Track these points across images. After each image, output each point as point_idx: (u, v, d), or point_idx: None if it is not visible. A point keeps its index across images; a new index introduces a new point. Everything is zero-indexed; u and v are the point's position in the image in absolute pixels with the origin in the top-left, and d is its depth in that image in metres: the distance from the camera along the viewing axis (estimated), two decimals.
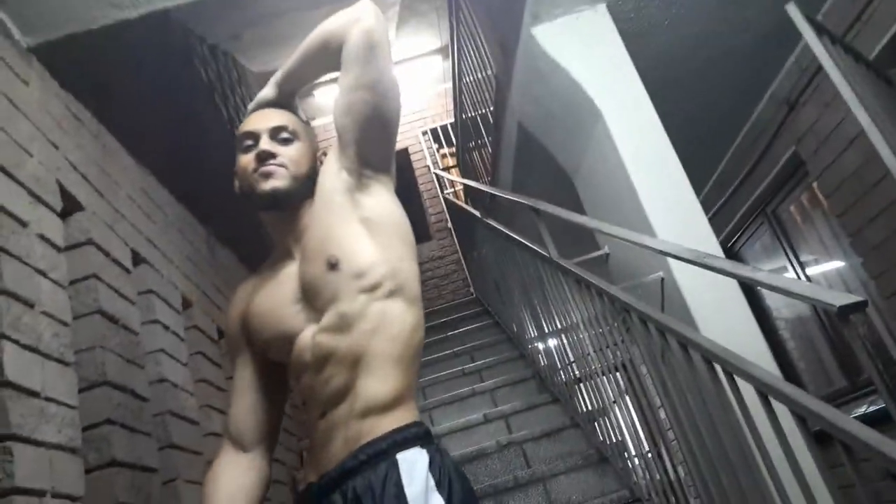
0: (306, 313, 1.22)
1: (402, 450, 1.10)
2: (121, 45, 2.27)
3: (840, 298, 1.18)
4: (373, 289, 1.17)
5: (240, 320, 1.34)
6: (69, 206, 1.63)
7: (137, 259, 1.94)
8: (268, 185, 1.24)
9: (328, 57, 1.27)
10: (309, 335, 1.20)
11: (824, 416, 1.31)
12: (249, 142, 1.28)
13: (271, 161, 1.25)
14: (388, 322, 1.17)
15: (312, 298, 1.21)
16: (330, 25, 1.27)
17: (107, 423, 1.48)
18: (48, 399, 1.28)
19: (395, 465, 1.08)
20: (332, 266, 1.18)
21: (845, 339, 3.61)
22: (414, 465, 1.09)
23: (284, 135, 1.28)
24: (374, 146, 1.24)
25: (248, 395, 1.31)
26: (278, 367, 1.33)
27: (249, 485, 1.25)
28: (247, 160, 1.26)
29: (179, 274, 2.24)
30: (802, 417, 1.38)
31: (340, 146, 1.25)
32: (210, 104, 3.63)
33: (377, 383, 1.14)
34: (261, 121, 1.30)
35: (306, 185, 1.27)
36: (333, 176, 1.24)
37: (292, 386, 1.32)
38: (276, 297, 1.26)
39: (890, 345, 3.35)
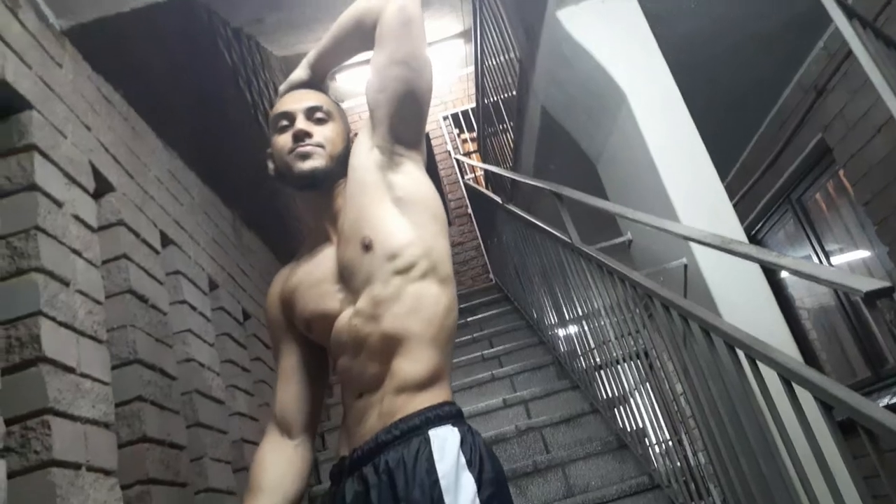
0: (344, 294, 1.23)
1: (434, 426, 1.12)
2: (149, 27, 2.30)
3: (867, 284, 1.17)
4: (407, 270, 1.19)
5: (280, 304, 1.35)
6: (101, 188, 1.66)
7: (165, 240, 1.97)
8: (306, 165, 1.25)
9: (362, 35, 1.28)
10: (346, 317, 1.22)
11: (849, 403, 1.30)
12: (285, 122, 1.29)
13: (308, 141, 1.25)
14: (423, 304, 1.18)
15: (349, 280, 1.22)
16: (364, 3, 1.27)
17: (138, 399, 1.52)
18: (83, 375, 1.32)
19: (427, 440, 1.10)
20: (366, 247, 1.19)
21: (869, 329, 3.58)
22: (445, 441, 1.10)
23: (319, 115, 1.29)
24: (407, 123, 1.25)
25: (294, 382, 1.33)
26: (320, 350, 1.35)
27: (295, 471, 1.28)
28: (283, 140, 1.27)
29: (206, 256, 2.27)
30: (826, 404, 1.38)
31: (373, 123, 1.26)
32: (234, 87, 3.66)
33: (412, 364, 1.16)
34: (296, 101, 1.30)
35: (341, 165, 1.28)
36: (365, 154, 1.26)
37: (332, 367, 1.34)
38: (316, 277, 1.27)
39: None
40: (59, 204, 1.40)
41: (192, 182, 2.37)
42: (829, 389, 1.37)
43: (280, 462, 1.27)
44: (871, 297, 1.19)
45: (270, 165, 1.31)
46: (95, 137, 1.68)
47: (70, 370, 1.28)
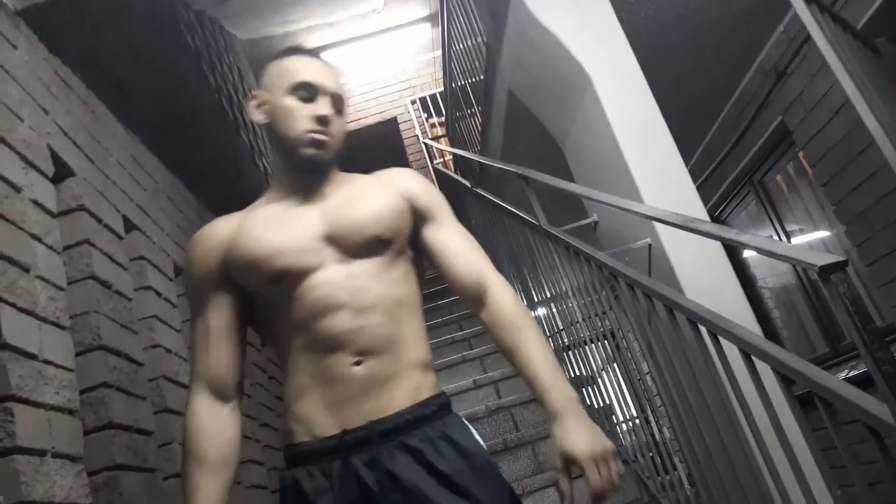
0: (332, 251, 1.19)
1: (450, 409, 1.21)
2: (107, 9, 2.25)
3: (821, 258, 1.20)
4: (401, 251, 1.26)
5: (222, 256, 1.23)
6: (61, 172, 1.63)
7: (129, 226, 1.94)
8: (316, 155, 1.21)
9: None
10: (341, 273, 1.17)
11: (805, 374, 1.35)
12: (305, 93, 1.21)
13: (327, 129, 1.21)
14: (410, 277, 1.27)
15: (342, 244, 1.20)
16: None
17: (103, 385, 1.50)
18: (46, 361, 1.30)
19: (459, 419, 1.18)
20: (382, 242, 1.22)
21: (827, 306, 3.68)
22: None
23: (340, 105, 1.25)
24: None
25: (226, 340, 1.23)
26: (247, 309, 1.27)
27: (236, 439, 1.21)
28: (299, 112, 1.20)
29: (170, 241, 2.24)
30: (784, 376, 1.42)
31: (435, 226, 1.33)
32: (197, 71, 3.60)
33: (418, 340, 1.22)
34: (325, 78, 1.23)
35: (340, 157, 1.28)
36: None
37: (287, 329, 1.21)
38: (292, 231, 1.20)
39: (871, 310, 3.41)
40: (17, 189, 1.37)
41: (155, 167, 2.34)
42: (787, 362, 1.41)
43: (223, 431, 1.19)
44: (826, 272, 1.22)
45: (261, 117, 1.23)
46: (53, 121, 1.64)
47: (32, 356, 1.26)
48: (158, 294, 2.00)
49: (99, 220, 1.73)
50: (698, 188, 2.66)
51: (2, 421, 1.15)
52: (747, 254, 4.40)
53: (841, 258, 1.21)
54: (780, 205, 4.10)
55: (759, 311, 4.38)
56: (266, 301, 1.24)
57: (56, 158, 1.60)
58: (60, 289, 1.45)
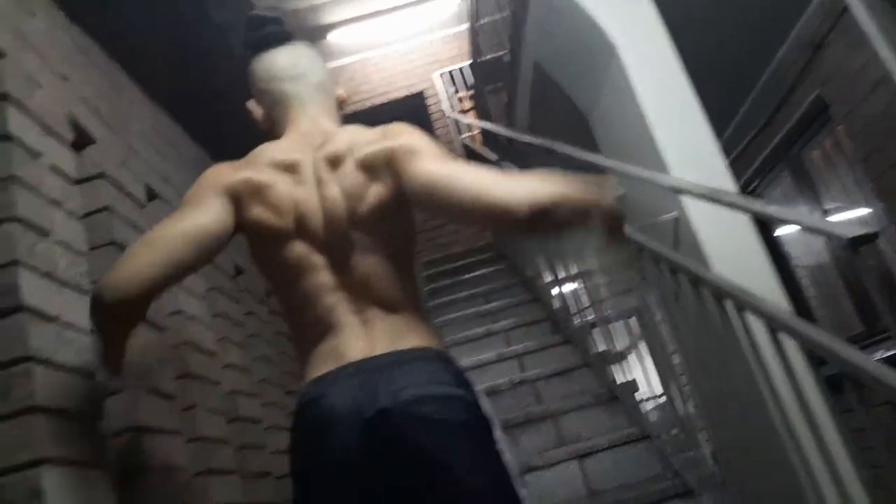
0: None
1: None
2: None
3: (851, 230, 1.16)
4: None
5: None
6: (81, 139, 1.63)
7: (151, 194, 1.95)
8: None
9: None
10: None
11: (835, 351, 1.30)
12: None
13: None
14: None
15: None
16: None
17: None
18: (65, 324, 1.31)
19: None
20: None
21: (863, 284, 3.58)
22: None
23: None
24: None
25: None
26: None
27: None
28: None
29: None
30: (811, 352, 1.38)
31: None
32: (223, 45, 3.59)
33: None
34: None
35: None
36: None
37: None
38: None
39: None
40: (35, 154, 1.38)
41: (180, 137, 2.35)
42: (816, 338, 1.36)
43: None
44: (856, 243, 1.18)
45: None
46: (73, 89, 1.64)
47: (52, 319, 1.27)
48: None
49: (120, 188, 1.73)
50: (731, 163, 2.59)
51: (22, 382, 1.17)
52: (781, 231, 4.29)
53: (871, 230, 1.16)
54: (817, 181, 3.98)
55: (793, 289, 4.28)
56: None
57: (76, 126, 1.60)
58: (81, 254, 1.46)
